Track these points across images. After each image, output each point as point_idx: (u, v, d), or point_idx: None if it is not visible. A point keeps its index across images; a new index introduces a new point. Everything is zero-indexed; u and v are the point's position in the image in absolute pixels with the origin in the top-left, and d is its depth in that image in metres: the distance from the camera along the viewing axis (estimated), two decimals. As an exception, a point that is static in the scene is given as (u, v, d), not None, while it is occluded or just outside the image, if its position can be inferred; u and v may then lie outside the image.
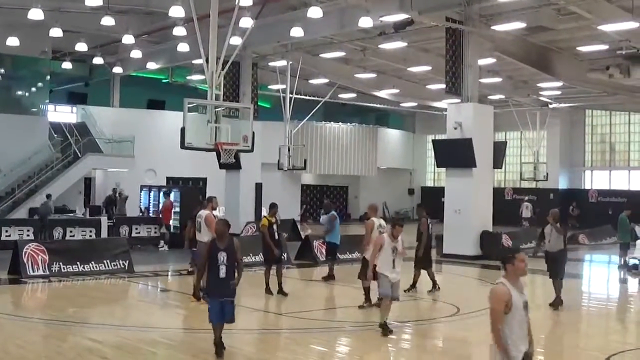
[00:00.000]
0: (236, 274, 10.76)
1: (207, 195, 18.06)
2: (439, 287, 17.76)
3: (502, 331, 6.77)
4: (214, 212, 16.39)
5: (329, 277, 19.55)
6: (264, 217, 18.32)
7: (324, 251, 22.69)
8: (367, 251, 15.36)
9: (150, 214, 30.63)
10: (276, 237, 17.11)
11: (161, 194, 30.38)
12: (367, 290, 15.29)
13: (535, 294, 17.55)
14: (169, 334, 12.92)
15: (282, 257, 18.05)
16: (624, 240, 24.67)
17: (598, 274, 26.94)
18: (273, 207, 17.58)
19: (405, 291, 16.34)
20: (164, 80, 42.45)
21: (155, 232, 28.51)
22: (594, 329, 15.24)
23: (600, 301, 18.86)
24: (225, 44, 19.16)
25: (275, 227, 17.13)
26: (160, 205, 29.55)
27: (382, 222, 16.00)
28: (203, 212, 15.89)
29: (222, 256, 10.55)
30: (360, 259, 16.32)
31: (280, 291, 16.76)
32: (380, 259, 12.56)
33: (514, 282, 6.92)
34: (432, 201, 46.06)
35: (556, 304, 15.64)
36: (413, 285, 17.74)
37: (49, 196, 29.49)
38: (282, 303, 15.97)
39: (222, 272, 10.55)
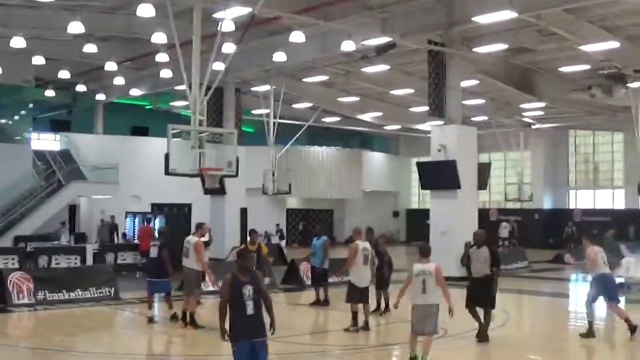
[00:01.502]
0: (266, 311, 9.26)
1: (197, 222, 17.73)
2: (389, 310, 17.65)
3: None
4: (203, 239, 16.27)
5: (323, 302, 19.33)
6: (246, 243, 18.17)
7: (309, 275, 22.61)
8: (351, 272, 15.62)
9: (135, 241, 30.42)
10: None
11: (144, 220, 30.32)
12: (354, 315, 15.29)
13: (523, 314, 17.52)
14: (156, 361, 12.83)
15: None
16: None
17: (584, 293, 26.89)
18: (251, 233, 17.17)
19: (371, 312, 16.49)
20: (147, 107, 42.55)
21: (141, 259, 28.28)
22: (579, 348, 15.21)
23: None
24: (208, 69, 19.20)
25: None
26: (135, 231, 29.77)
27: (367, 245, 15.96)
28: (192, 238, 15.78)
29: (248, 290, 9.00)
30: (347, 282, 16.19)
31: None
32: None
33: None
34: (418, 223, 46.32)
35: (483, 335, 14.33)
36: (377, 307, 17.87)
37: (112, 217, 30.81)
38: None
39: (250, 309, 8.99)
